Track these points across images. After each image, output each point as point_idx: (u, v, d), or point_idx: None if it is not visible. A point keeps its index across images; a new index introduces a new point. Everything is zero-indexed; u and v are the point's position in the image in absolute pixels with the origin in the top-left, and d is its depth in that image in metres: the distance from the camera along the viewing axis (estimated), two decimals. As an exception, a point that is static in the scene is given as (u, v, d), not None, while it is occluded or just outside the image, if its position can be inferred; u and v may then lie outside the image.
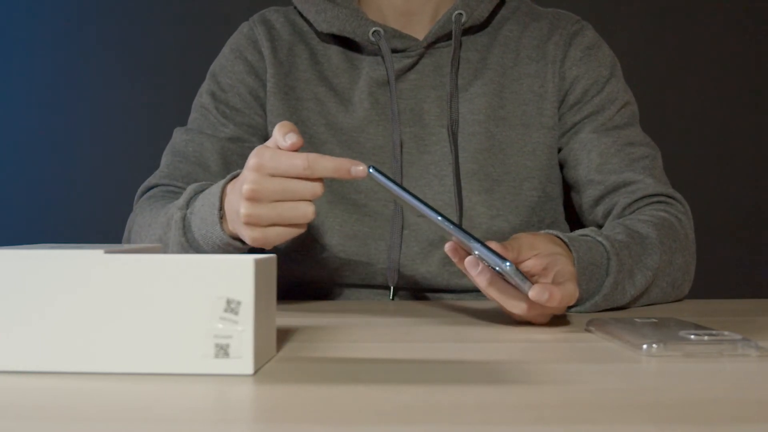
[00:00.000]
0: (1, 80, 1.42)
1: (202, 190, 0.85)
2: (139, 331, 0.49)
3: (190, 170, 0.98)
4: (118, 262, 0.49)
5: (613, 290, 0.80)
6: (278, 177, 0.70)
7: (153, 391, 0.45)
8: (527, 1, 1.08)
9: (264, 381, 0.48)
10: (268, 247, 0.75)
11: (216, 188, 0.80)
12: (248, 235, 0.73)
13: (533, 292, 0.65)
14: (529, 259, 0.70)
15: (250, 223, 0.72)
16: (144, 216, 0.93)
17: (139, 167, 1.41)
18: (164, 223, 0.87)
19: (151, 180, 0.99)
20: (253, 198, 0.70)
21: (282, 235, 0.72)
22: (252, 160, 0.71)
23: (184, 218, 0.84)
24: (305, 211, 0.71)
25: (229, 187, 0.79)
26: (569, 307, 0.79)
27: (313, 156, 0.70)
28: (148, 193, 0.98)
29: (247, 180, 0.71)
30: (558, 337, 0.65)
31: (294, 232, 0.73)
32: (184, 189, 0.97)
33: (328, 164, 0.69)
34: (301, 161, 0.69)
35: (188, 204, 0.85)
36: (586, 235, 0.81)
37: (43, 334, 0.49)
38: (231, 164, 0.99)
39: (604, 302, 0.80)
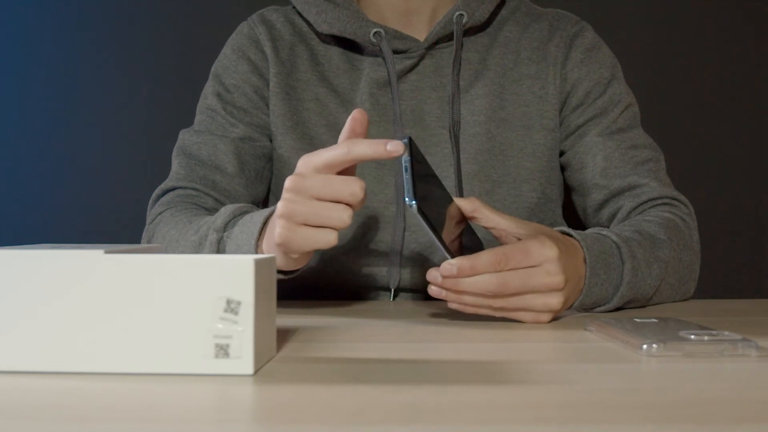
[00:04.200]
0: (1, 80, 1.42)
1: (242, 213, 0.83)
2: (139, 331, 0.49)
3: (206, 173, 0.98)
4: (118, 262, 0.49)
5: (634, 277, 0.79)
6: (322, 175, 0.67)
7: (153, 391, 0.45)
8: (526, 1, 1.08)
9: (264, 381, 0.48)
10: (292, 251, 0.69)
11: (258, 216, 0.77)
12: (278, 233, 0.68)
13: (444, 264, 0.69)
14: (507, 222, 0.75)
15: (284, 216, 0.67)
16: (169, 228, 0.91)
17: (140, 167, 1.41)
18: (196, 242, 0.84)
19: (167, 183, 0.98)
20: (293, 189, 0.67)
21: (309, 238, 0.67)
22: (299, 161, 0.69)
23: (219, 241, 0.81)
24: (341, 215, 0.66)
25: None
26: (597, 307, 0.79)
27: (350, 141, 0.66)
28: (166, 198, 0.97)
29: (290, 178, 0.68)
30: (558, 337, 0.65)
31: (322, 239, 0.67)
32: (203, 192, 0.97)
33: (365, 147, 0.66)
34: (340, 149, 0.66)
35: (225, 227, 0.82)
36: (594, 233, 0.81)
37: (43, 334, 0.49)
38: (245, 164, 0.99)
39: (629, 291, 0.79)
